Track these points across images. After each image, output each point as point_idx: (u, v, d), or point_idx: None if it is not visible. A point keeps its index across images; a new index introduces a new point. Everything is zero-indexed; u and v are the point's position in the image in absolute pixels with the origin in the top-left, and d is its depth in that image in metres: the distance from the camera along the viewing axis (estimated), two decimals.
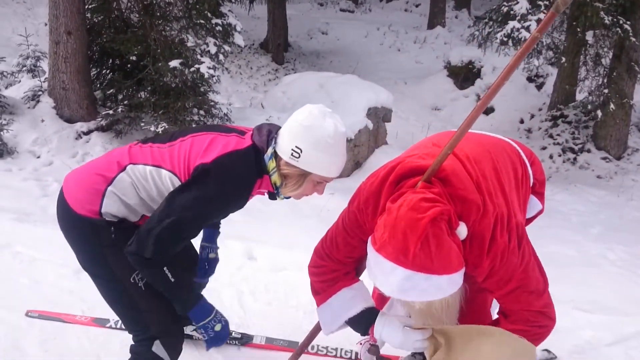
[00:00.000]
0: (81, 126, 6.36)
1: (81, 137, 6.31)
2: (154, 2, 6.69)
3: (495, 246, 1.85)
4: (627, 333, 3.12)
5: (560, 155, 8.96)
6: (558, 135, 9.20)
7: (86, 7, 6.61)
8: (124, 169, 2.02)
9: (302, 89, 7.65)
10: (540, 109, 10.09)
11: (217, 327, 2.07)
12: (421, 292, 1.76)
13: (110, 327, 2.88)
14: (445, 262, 1.73)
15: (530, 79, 10.82)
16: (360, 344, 2.78)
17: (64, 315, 2.97)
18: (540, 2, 7.55)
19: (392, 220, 1.73)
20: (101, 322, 2.91)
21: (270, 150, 1.96)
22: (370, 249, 1.83)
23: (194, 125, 1.79)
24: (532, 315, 1.93)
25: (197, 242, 2.44)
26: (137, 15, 6.87)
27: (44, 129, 6.27)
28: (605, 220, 6.31)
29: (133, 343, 2.16)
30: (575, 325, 3.18)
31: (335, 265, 2.18)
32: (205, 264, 2.57)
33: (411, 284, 1.73)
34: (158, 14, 6.66)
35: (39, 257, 3.64)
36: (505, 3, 8.02)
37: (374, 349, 2.26)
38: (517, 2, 7.67)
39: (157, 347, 2.09)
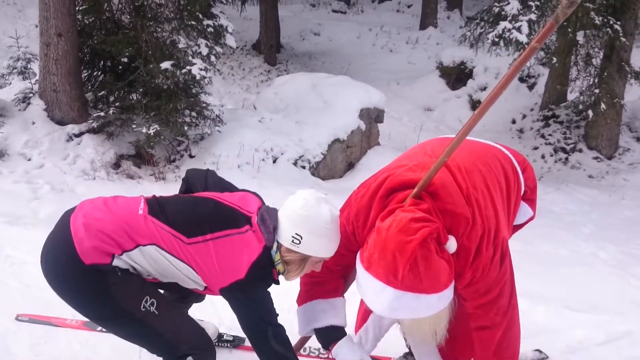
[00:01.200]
0: (72, 128, 6.33)
1: (72, 139, 6.27)
2: (145, 3, 6.66)
3: (479, 259, 1.89)
4: (619, 332, 3.13)
5: (552, 155, 8.99)
6: (550, 135, 9.24)
7: (77, 8, 6.57)
8: (141, 247, 2.03)
9: (294, 90, 7.64)
10: (532, 109, 10.13)
11: None
12: (411, 311, 1.80)
13: (101, 330, 2.86)
14: (435, 282, 1.76)
15: (521, 79, 10.86)
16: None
17: (54, 319, 2.95)
18: (531, 3, 7.57)
19: (382, 241, 1.77)
20: (91, 326, 2.89)
21: (275, 245, 2.10)
22: (359, 267, 1.87)
23: (201, 199, 1.89)
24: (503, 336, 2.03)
25: None
26: (128, 17, 6.84)
27: (34, 131, 6.23)
28: (597, 219, 6.34)
29: None
30: (566, 325, 3.19)
31: (322, 270, 2.22)
32: None
33: (401, 303, 1.77)
34: (149, 15, 6.63)
35: (29, 260, 3.61)
36: (496, 4, 8.04)
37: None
38: (508, 3, 7.69)
39: None
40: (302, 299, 2.33)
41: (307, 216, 2.05)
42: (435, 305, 1.82)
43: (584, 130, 9.00)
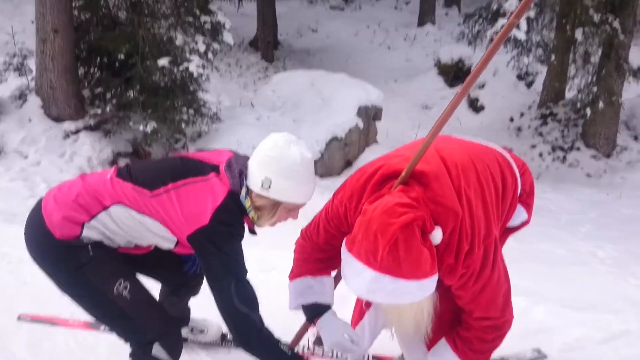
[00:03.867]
0: (69, 125, 6.31)
1: (69, 137, 6.26)
2: None
3: (471, 258, 1.89)
4: (617, 331, 3.13)
5: (549, 154, 8.99)
6: (548, 133, 9.24)
7: (73, 4, 6.55)
8: (107, 208, 2.01)
9: (292, 88, 7.62)
10: (530, 107, 10.12)
11: None
12: (388, 294, 1.79)
13: (103, 330, 2.84)
14: (414, 268, 1.75)
15: (520, 77, 10.85)
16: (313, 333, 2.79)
17: (56, 319, 2.93)
18: None
19: (366, 221, 1.77)
20: (94, 326, 2.88)
21: (243, 191, 2.02)
22: (343, 248, 1.87)
23: (168, 157, 1.87)
24: (482, 328, 2.03)
25: None
26: (125, 13, 6.82)
27: (31, 128, 6.21)
28: (595, 218, 6.33)
29: (132, 351, 2.14)
30: (564, 324, 3.18)
31: (314, 248, 2.25)
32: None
33: (378, 286, 1.76)
34: (146, 11, 6.60)
35: (26, 258, 3.56)
36: (495, 0, 8.04)
37: (318, 340, 2.34)
38: (507, 0, 7.69)
39: (158, 350, 2.08)
40: (293, 275, 2.35)
41: (275, 157, 1.97)
42: (414, 294, 1.80)
43: (582, 129, 9.00)
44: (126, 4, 6.71)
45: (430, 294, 1.88)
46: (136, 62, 6.34)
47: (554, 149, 9.01)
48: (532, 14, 7.47)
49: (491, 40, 7.52)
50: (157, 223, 2.02)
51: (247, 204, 2.02)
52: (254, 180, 1.99)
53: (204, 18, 6.76)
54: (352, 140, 7.23)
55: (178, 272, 2.48)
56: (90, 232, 2.00)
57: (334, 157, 6.98)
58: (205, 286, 2.63)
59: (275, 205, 2.03)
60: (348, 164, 7.29)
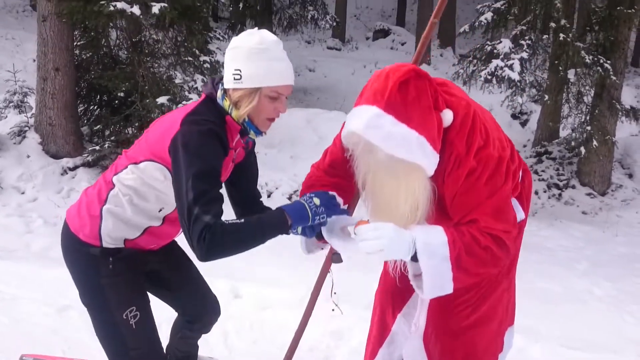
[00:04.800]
0: (67, 162, 6.34)
1: (67, 173, 6.28)
2: (143, 39, 6.76)
3: (486, 153, 1.83)
4: None
5: (545, 191, 9.03)
6: (543, 171, 9.30)
7: (75, 43, 6.66)
8: (111, 182, 2.04)
9: (289, 125, 7.70)
10: (524, 145, 10.21)
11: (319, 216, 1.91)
12: (385, 137, 1.73)
13: None
14: (419, 118, 1.72)
15: (514, 116, 10.98)
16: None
17: (59, 359, 2.90)
18: (522, 42, 7.73)
19: (379, 72, 1.79)
20: None
21: (219, 92, 1.96)
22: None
23: None
24: (481, 233, 1.83)
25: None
26: (125, 52, 6.93)
27: (29, 164, 6.23)
28: (592, 255, 6.33)
29: None
30: None
31: (319, 174, 2.22)
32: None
33: (378, 123, 1.72)
34: (146, 51, 6.72)
35: (21, 296, 3.58)
36: (488, 42, 8.21)
37: (336, 256, 2.18)
38: (500, 42, 7.86)
39: None
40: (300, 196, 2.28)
41: (239, 47, 1.91)
42: (411, 146, 1.73)
43: (577, 167, 9.07)
44: (127, 44, 6.83)
45: (427, 184, 1.81)
46: (135, 100, 6.41)
47: (549, 186, 9.06)
48: (525, 55, 7.62)
49: (486, 81, 7.65)
50: (147, 162, 1.96)
51: (226, 103, 1.95)
52: (227, 78, 1.93)
53: (203, 57, 6.88)
54: None
55: (199, 299, 2.44)
56: (107, 224, 2.00)
57: None
58: (217, 325, 2.62)
59: (253, 92, 1.92)
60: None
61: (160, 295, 2.35)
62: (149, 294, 2.20)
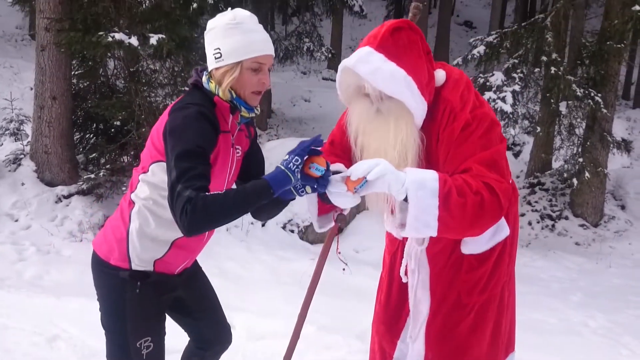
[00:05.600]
0: (62, 190, 6.33)
1: (61, 201, 6.26)
2: (140, 69, 6.83)
3: (482, 110, 1.89)
4: None
5: (538, 222, 9.07)
6: (536, 202, 9.35)
7: (73, 73, 6.72)
8: (131, 202, 2.05)
9: (284, 154, 7.72)
10: (518, 176, 10.29)
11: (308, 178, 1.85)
12: (374, 71, 1.81)
13: None
14: (409, 60, 1.81)
15: (507, 147, 11.07)
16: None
17: None
18: (514, 75, 7.86)
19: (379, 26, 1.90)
20: None
21: (204, 77, 1.99)
22: None
23: None
24: (474, 179, 1.83)
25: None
26: (123, 82, 6.99)
27: (23, 192, 6.22)
28: (585, 287, 6.33)
29: None
30: None
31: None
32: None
33: (369, 59, 1.82)
34: (143, 80, 6.78)
35: (11, 325, 3.54)
36: (481, 75, 8.34)
37: (341, 216, 2.18)
38: (493, 74, 7.99)
39: None
40: None
41: (215, 26, 1.95)
42: (397, 84, 1.79)
43: (570, 198, 9.13)
44: (124, 73, 6.89)
45: (415, 134, 1.86)
46: (131, 129, 6.44)
47: (542, 217, 9.10)
48: (517, 87, 7.74)
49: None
50: (154, 164, 1.97)
51: (212, 85, 1.96)
52: (210, 60, 1.97)
53: None
54: None
55: (216, 328, 2.43)
56: (135, 246, 2.00)
57: None
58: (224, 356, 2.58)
59: (234, 66, 1.93)
60: (339, 230, 7.29)
61: (179, 320, 2.35)
62: (167, 316, 2.21)
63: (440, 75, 1.91)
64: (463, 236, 1.97)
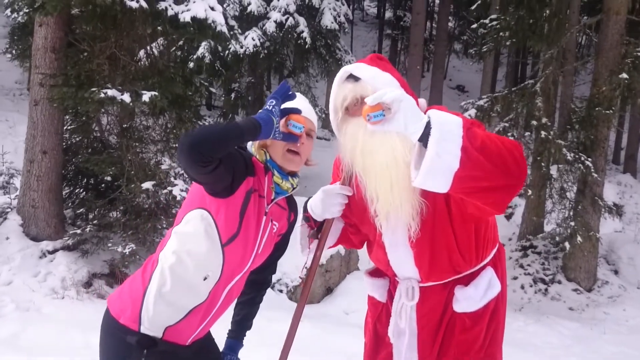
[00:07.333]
0: (47, 245, 6.23)
1: (45, 256, 6.15)
2: (133, 125, 6.87)
3: (475, 127, 1.84)
4: None
5: (531, 286, 8.95)
6: (528, 265, 9.26)
7: (65, 127, 6.74)
8: (157, 260, 2.00)
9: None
10: (510, 239, 10.23)
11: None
12: (374, 75, 1.93)
13: None
14: (399, 78, 1.97)
15: None
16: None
17: None
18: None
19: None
20: None
21: (250, 143, 2.09)
22: None
23: None
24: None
25: None
26: (115, 137, 7.01)
27: (7, 247, 6.11)
28: (580, 354, 6.18)
29: None
30: None
31: None
32: None
33: (366, 68, 1.96)
34: (136, 136, 6.80)
35: None
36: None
37: (314, 232, 2.24)
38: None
39: None
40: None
41: None
42: (385, 86, 1.83)
43: (562, 262, 9.05)
44: (117, 129, 6.92)
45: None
46: (121, 184, 6.41)
47: (535, 281, 8.99)
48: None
49: None
50: (193, 212, 1.95)
51: (253, 148, 2.07)
52: None
53: None
54: (334, 267, 7.18)
55: None
56: (149, 307, 1.92)
57: (314, 284, 6.88)
58: None
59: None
60: (329, 290, 7.18)
61: None
62: None
63: (422, 102, 2.00)
64: (482, 183, 1.73)
